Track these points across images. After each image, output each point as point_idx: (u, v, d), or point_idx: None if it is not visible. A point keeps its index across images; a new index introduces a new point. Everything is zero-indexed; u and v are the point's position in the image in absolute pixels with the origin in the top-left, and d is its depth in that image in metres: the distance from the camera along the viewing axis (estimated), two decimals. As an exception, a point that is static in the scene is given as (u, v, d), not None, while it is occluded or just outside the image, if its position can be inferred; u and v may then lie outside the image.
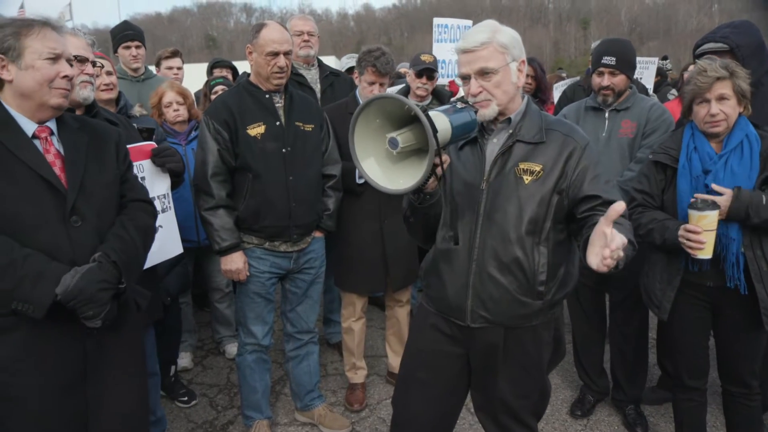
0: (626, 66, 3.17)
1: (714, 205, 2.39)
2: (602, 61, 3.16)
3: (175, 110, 3.89)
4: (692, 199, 2.45)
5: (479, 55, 1.95)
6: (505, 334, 2.10)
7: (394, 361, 3.77)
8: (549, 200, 1.99)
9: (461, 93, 2.13)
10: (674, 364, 2.90)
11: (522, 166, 2.00)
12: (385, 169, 1.76)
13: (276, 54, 2.86)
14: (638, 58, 6.44)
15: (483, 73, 1.96)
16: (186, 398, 3.75)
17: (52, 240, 1.84)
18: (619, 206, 1.53)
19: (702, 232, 2.38)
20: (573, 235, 2.08)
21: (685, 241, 2.44)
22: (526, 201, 1.99)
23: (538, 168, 1.99)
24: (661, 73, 7.26)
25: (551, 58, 72.31)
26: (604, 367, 3.60)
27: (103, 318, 1.85)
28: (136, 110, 3.55)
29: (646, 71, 6.17)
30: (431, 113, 1.67)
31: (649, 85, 6.06)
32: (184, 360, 4.17)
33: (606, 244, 1.53)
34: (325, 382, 3.95)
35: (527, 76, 4.78)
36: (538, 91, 4.87)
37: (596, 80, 3.22)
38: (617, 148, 3.20)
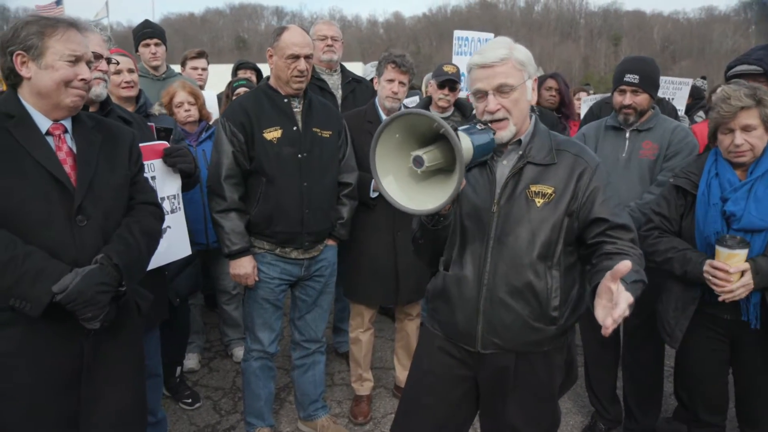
0: (649, 85, 3.06)
1: (744, 243, 2.30)
2: (624, 79, 3.05)
3: (186, 110, 3.86)
4: (721, 235, 2.36)
5: (498, 71, 1.90)
6: (516, 359, 2.03)
7: (402, 374, 3.71)
8: (561, 223, 1.94)
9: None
10: (689, 397, 2.80)
11: (533, 188, 1.95)
12: (404, 186, 1.70)
13: (296, 57, 2.83)
14: (671, 78, 6.35)
15: (502, 90, 1.91)
16: (190, 400, 3.72)
17: (57, 238, 1.83)
18: (624, 266, 1.55)
19: (732, 272, 2.29)
20: (583, 260, 2.04)
21: (710, 278, 2.35)
22: (538, 224, 1.94)
23: (549, 191, 1.94)
24: (698, 93, 7.09)
25: (580, 73, 71.78)
26: (617, 393, 3.49)
27: (102, 320, 1.84)
28: (155, 109, 3.55)
29: (679, 92, 6.04)
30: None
31: (681, 106, 5.93)
32: (191, 361, 4.15)
33: (611, 300, 1.57)
34: (331, 391, 3.89)
35: (551, 89, 4.72)
36: (562, 105, 4.80)
37: (617, 99, 3.11)
38: (637, 170, 3.10)
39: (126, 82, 3.21)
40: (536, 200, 1.94)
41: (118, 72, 3.22)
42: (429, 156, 1.62)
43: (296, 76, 2.86)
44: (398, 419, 2.29)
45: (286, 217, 2.91)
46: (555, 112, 4.80)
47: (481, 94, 1.93)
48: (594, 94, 6.95)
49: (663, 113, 3.48)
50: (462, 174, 1.55)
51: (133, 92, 3.28)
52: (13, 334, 1.80)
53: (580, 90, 6.91)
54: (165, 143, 2.61)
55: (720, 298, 2.36)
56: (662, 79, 6.19)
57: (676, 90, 6.00)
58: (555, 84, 4.76)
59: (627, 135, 3.16)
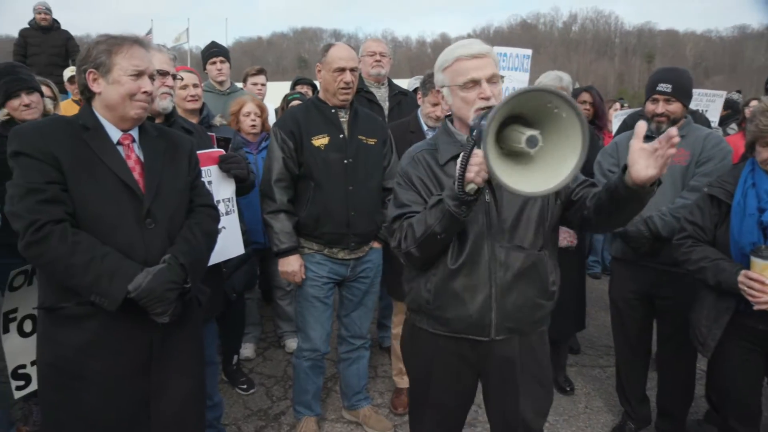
0: (682, 94, 2.86)
1: None
2: (657, 88, 2.86)
3: (252, 120, 3.91)
4: (757, 246, 2.17)
5: (488, 60, 1.86)
6: (520, 342, 1.97)
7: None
8: (547, 204, 1.92)
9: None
10: (720, 404, 2.59)
11: None
12: (503, 169, 1.51)
13: (342, 70, 2.80)
14: (705, 91, 6.03)
15: (492, 80, 1.84)
16: (245, 386, 3.71)
17: (128, 240, 1.85)
18: (642, 127, 1.53)
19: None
20: (570, 220, 1.97)
21: (746, 289, 2.16)
22: (530, 208, 1.90)
23: None
24: (733, 106, 6.70)
25: (615, 89, 69.76)
26: (647, 394, 3.28)
27: (170, 315, 1.86)
28: (217, 120, 3.58)
29: (713, 104, 5.72)
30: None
31: (714, 118, 5.61)
32: (247, 350, 4.14)
33: (652, 151, 1.51)
34: (374, 383, 3.81)
35: (585, 102, 4.52)
36: (596, 117, 4.58)
37: (650, 107, 2.92)
38: (669, 176, 2.90)
39: (191, 96, 3.25)
40: None
41: (184, 87, 3.26)
42: (540, 136, 1.50)
43: (342, 88, 2.82)
44: (412, 421, 2.24)
45: (333, 218, 2.86)
46: (590, 124, 4.59)
47: (473, 83, 1.83)
48: (627, 108, 6.66)
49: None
50: (585, 151, 1.49)
51: (197, 105, 3.31)
52: (92, 326, 1.84)
53: (613, 102, 6.64)
54: (221, 150, 2.61)
55: (755, 308, 2.17)
56: (696, 91, 5.88)
57: (709, 102, 5.68)
58: (589, 97, 4.54)
59: None
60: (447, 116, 2.05)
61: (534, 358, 2.01)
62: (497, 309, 1.90)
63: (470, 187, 1.64)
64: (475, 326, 1.92)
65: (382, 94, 4.17)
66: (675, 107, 2.85)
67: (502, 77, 1.91)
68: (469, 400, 2.14)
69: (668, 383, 3.09)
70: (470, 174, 1.61)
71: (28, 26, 7.50)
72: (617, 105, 6.57)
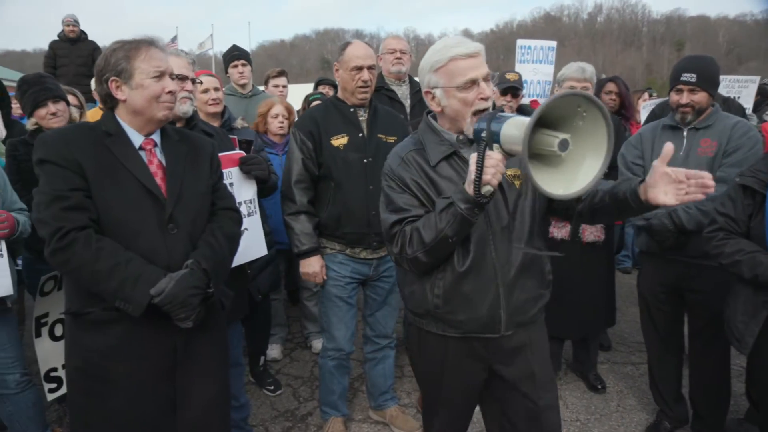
0: (708, 83, 2.77)
1: None
2: (681, 78, 2.78)
3: (279, 122, 3.95)
4: None
5: (482, 59, 1.83)
6: (526, 334, 1.99)
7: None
8: (536, 197, 1.94)
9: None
10: (762, 403, 2.49)
11: (509, 172, 1.84)
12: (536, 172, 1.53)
13: (360, 68, 2.78)
14: (737, 77, 5.84)
15: (487, 79, 1.82)
16: (272, 387, 3.72)
17: (151, 245, 1.86)
18: (669, 149, 1.59)
19: None
20: (556, 210, 1.98)
21: None
22: (523, 202, 1.92)
23: (518, 172, 1.91)
24: (762, 92, 6.49)
25: (643, 79, 68.20)
26: (683, 392, 3.19)
27: (194, 319, 1.86)
28: (238, 123, 3.60)
29: (745, 90, 5.54)
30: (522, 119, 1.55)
31: (748, 104, 5.43)
32: (274, 351, 4.17)
33: (675, 179, 1.54)
34: (401, 383, 3.79)
35: (610, 92, 4.42)
36: (622, 108, 4.47)
37: (674, 97, 2.84)
38: (695, 167, 2.76)
39: (212, 99, 3.27)
40: (515, 182, 1.90)
41: (205, 90, 3.28)
42: (570, 139, 1.52)
43: (360, 87, 2.81)
44: (425, 417, 2.25)
45: (354, 218, 2.85)
46: (615, 115, 4.47)
47: (471, 83, 1.79)
48: (656, 97, 6.50)
49: (730, 112, 3.16)
50: (610, 152, 1.52)
51: (218, 108, 3.34)
52: (117, 331, 1.85)
53: (642, 93, 6.49)
54: (242, 152, 2.62)
55: None
56: (727, 77, 5.71)
57: (742, 88, 5.51)
58: (615, 87, 4.44)
59: (684, 133, 2.88)
60: (428, 113, 2.01)
61: (540, 345, 2.05)
62: (506, 306, 1.90)
63: (486, 189, 1.63)
64: (486, 325, 1.92)
65: (403, 92, 4.14)
66: (700, 97, 2.77)
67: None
68: (477, 396, 2.14)
69: (700, 380, 3.00)
70: (487, 176, 1.60)
71: (57, 38, 7.71)
72: (645, 95, 6.41)
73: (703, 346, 2.92)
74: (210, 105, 3.27)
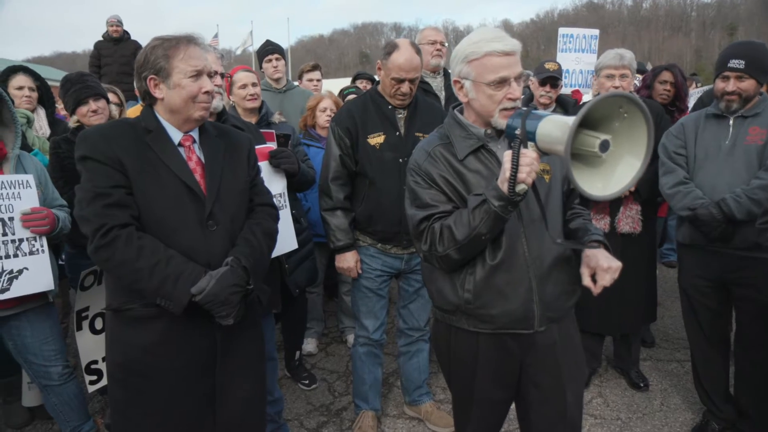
0: (756, 70, 2.64)
1: None
2: (728, 65, 2.66)
3: (328, 116, 3.98)
4: None
5: (517, 58, 1.80)
6: (559, 329, 1.97)
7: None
8: (562, 192, 1.97)
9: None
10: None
11: (539, 166, 1.78)
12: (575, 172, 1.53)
13: (401, 81, 2.73)
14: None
15: (519, 77, 1.80)
16: (307, 381, 3.74)
17: (191, 243, 1.86)
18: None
19: None
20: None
21: None
22: (554, 197, 1.93)
23: (548, 167, 1.92)
24: None
25: (692, 66, 65.75)
26: (731, 391, 3.05)
27: (234, 317, 1.86)
28: (276, 118, 3.63)
29: None
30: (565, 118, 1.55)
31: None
32: (310, 345, 4.19)
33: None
34: (436, 379, 3.75)
35: (665, 82, 4.20)
36: (677, 99, 4.22)
37: (720, 85, 2.72)
38: (743, 157, 2.70)
39: (250, 95, 3.33)
40: (545, 177, 1.90)
41: (243, 86, 3.34)
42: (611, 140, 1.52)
43: (399, 95, 2.78)
44: (458, 418, 2.21)
45: (385, 217, 2.83)
46: (669, 106, 4.24)
47: (502, 82, 1.77)
48: (702, 86, 6.21)
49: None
50: (650, 154, 1.53)
51: (256, 104, 3.39)
52: (158, 327, 1.87)
53: (689, 81, 6.22)
54: (271, 146, 2.62)
55: None
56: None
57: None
58: (671, 77, 4.16)
59: (731, 122, 2.76)
60: (454, 107, 2.00)
61: (571, 342, 2.03)
62: (539, 300, 1.88)
63: (521, 188, 1.62)
64: (519, 320, 1.89)
65: (438, 84, 4.08)
66: (748, 84, 2.65)
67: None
68: (513, 392, 2.09)
69: (747, 378, 2.86)
70: (522, 174, 1.60)
71: (101, 39, 7.93)
72: (693, 84, 6.14)
73: (751, 342, 2.79)
74: (248, 100, 3.32)
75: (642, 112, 1.49)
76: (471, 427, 2.15)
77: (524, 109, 1.73)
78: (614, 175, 1.55)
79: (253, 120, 3.42)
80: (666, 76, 4.17)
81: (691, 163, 2.88)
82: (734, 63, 2.64)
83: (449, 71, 4.19)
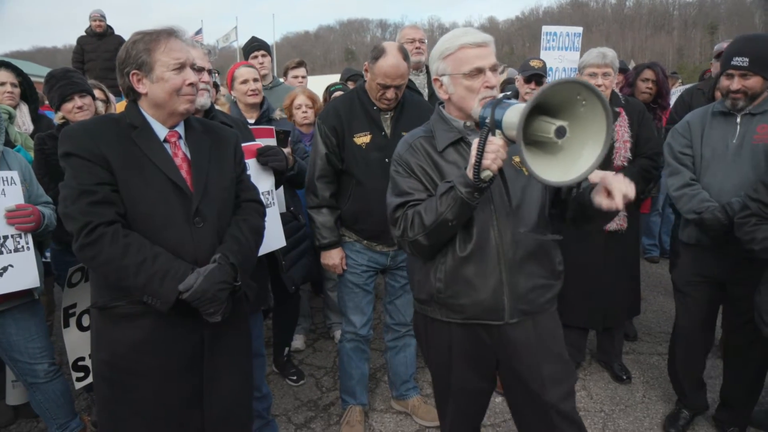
0: (761, 67, 2.56)
1: None
2: (732, 63, 2.58)
3: (303, 112, 3.97)
4: None
5: (491, 50, 1.87)
6: (533, 324, 1.97)
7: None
8: (544, 188, 1.96)
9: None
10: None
11: (516, 159, 1.86)
12: (531, 158, 1.55)
13: (386, 87, 2.73)
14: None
15: (494, 69, 1.85)
16: (295, 377, 3.76)
17: (178, 239, 1.85)
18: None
19: None
20: (557, 217, 2.03)
21: None
22: (532, 190, 1.93)
23: None
24: None
25: (674, 64, 66.42)
26: (705, 382, 3.14)
27: (222, 313, 1.86)
28: (277, 114, 3.64)
29: None
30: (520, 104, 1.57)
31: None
32: (297, 342, 4.20)
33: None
34: (423, 373, 3.78)
35: (647, 80, 4.27)
36: (658, 97, 4.29)
37: (724, 83, 2.65)
38: (750, 156, 2.62)
39: (252, 90, 3.35)
40: (523, 170, 1.89)
41: (244, 81, 3.36)
42: (567, 127, 1.53)
43: (384, 100, 2.79)
44: (438, 402, 2.26)
45: (372, 216, 2.84)
46: (651, 104, 4.31)
47: (478, 72, 1.83)
48: (683, 84, 6.30)
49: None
50: (609, 142, 1.55)
51: (257, 99, 3.40)
52: (145, 324, 1.85)
53: (672, 79, 6.30)
54: (259, 144, 2.61)
55: None
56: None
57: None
58: (652, 75, 4.21)
59: (738, 120, 2.69)
60: (439, 103, 2.05)
61: (550, 337, 2.02)
62: (509, 292, 1.90)
63: (486, 174, 1.65)
64: (489, 311, 1.93)
65: (420, 81, 4.12)
66: (753, 82, 2.58)
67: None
68: (490, 384, 2.14)
69: (737, 374, 2.92)
70: (487, 161, 1.63)
71: (84, 34, 7.83)
72: (678, 82, 6.22)
73: (745, 340, 2.81)
74: (249, 96, 3.34)
75: (598, 99, 1.51)
76: (449, 417, 2.19)
77: (497, 98, 1.75)
78: (575, 162, 1.58)
79: (254, 115, 3.43)
80: (648, 74, 4.23)
81: (698, 162, 2.80)
82: (738, 61, 2.58)
83: (430, 69, 4.24)
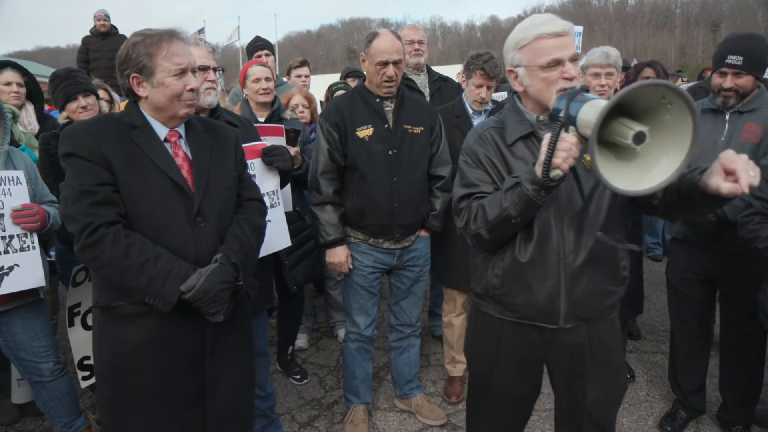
0: (755, 66, 2.59)
1: None
2: (726, 61, 2.60)
3: (300, 112, 3.96)
4: None
5: (570, 39, 1.73)
6: (589, 330, 1.89)
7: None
8: None
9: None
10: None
11: (587, 157, 1.72)
12: (604, 165, 1.41)
13: (385, 63, 2.73)
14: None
15: (573, 59, 1.72)
16: (299, 376, 3.76)
17: (180, 239, 1.84)
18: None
19: None
20: (638, 204, 1.84)
21: None
22: (601, 191, 1.80)
23: None
24: None
25: (676, 62, 66.29)
26: (704, 383, 3.12)
27: (224, 313, 1.85)
28: (288, 114, 3.64)
29: None
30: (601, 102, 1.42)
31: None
32: (301, 341, 4.20)
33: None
34: (426, 372, 3.79)
35: (648, 78, 4.27)
36: None
37: (717, 81, 2.68)
38: None
39: (263, 89, 3.36)
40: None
41: (256, 80, 3.38)
42: (647, 132, 1.39)
43: (385, 81, 2.77)
44: (472, 407, 2.15)
45: (377, 210, 2.83)
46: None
47: (555, 63, 1.71)
48: (686, 82, 6.29)
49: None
50: (695, 142, 1.39)
51: (269, 98, 3.40)
52: (146, 324, 1.84)
53: (675, 78, 6.29)
54: (265, 143, 2.61)
55: None
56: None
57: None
58: (653, 73, 4.23)
59: (727, 117, 2.72)
60: (515, 93, 1.94)
61: (604, 346, 1.92)
62: (566, 297, 1.82)
63: (555, 173, 1.55)
64: (543, 313, 1.85)
65: (422, 81, 4.12)
66: (745, 81, 2.61)
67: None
68: (534, 391, 2.06)
69: (732, 372, 2.92)
70: (557, 160, 1.53)
71: (89, 34, 7.84)
72: (679, 81, 6.21)
73: (739, 338, 2.83)
74: (260, 94, 3.34)
75: (688, 107, 1.36)
76: (483, 427, 2.10)
77: (573, 89, 1.63)
78: (649, 171, 1.44)
79: (264, 114, 3.43)
80: (648, 72, 4.25)
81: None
82: (732, 59, 2.59)
83: (432, 68, 4.24)
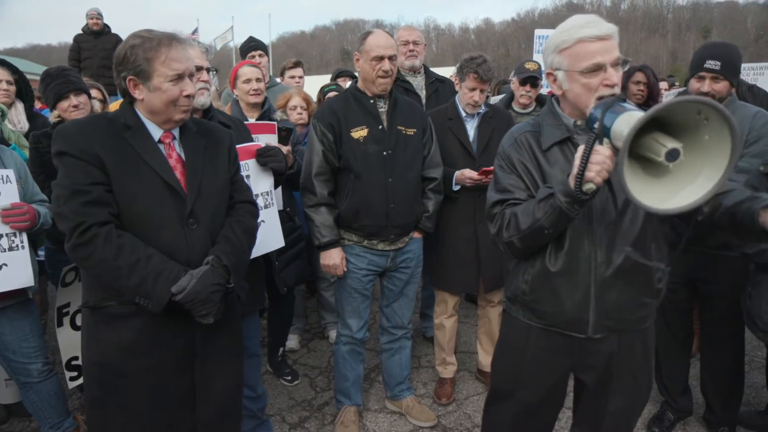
0: (731, 72, 2.65)
1: None
2: (705, 66, 2.64)
3: (298, 113, 3.96)
4: None
5: (613, 43, 1.66)
6: (618, 341, 1.86)
7: (485, 359, 3.56)
8: None
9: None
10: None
11: None
12: (633, 178, 1.36)
13: (381, 58, 2.75)
14: (752, 64, 5.68)
15: (616, 64, 1.66)
16: (290, 377, 3.75)
17: (172, 240, 1.84)
18: None
19: None
20: (683, 217, 1.72)
21: None
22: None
23: None
24: None
25: (668, 67, 66.73)
26: (690, 384, 3.15)
27: (215, 315, 1.85)
28: (278, 115, 3.64)
29: (761, 77, 5.40)
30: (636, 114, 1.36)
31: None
32: (292, 342, 4.19)
33: None
34: (417, 373, 3.79)
35: (639, 83, 4.29)
36: (650, 99, 4.32)
37: (695, 85, 2.71)
38: None
39: (254, 90, 3.35)
40: None
41: (247, 81, 3.36)
42: (683, 149, 1.33)
43: (381, 76, 2.78)
44: (493, 409, 2.13)
45: (372, 211, 2.83)
46: (643, 106, 4.35)
47: (596, 68, 1.65)
48: (677, 87, 6.34)
49: (755, 100, 3.05)
50: (732, 162, 1.31)
51: (259, 99, 3.40)
52: (136, 325, 1.84)
53: (663, 81, 6.34)
54: (259, 144, 2.60)
55: None
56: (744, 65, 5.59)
57: (757, 75, 5.35)
58: (644, 77, 4.26)
59: None
60: (552, 96, 1.90)
61: (632, 357, 1.90)
62: (595, 307, 1.79)
63: (588, 187, 1.52)
64: (572, 323, 1.83)
65: (418, 83, 4.10)
66: (722, 86, 2.66)
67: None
68: (558, 400, 2.03)
69: (713, 373, 2.95)
70: (590, 173, 1.49)
71: (81, 32, 7.79)
72: (666, 84, 6.25)
73: (718, 339, 2.87)
74: (251, 95, 3.33)
75: (726, 122, 1.29)
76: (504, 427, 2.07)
77: (610, 98, 1.57)
78: (681, 190, 1.38)
79: (255, 115, 3.42)
80: (639, 77, 4.27)
81: None
82: (710, 64, 2.64)
83: (430, 69, 4.24)
